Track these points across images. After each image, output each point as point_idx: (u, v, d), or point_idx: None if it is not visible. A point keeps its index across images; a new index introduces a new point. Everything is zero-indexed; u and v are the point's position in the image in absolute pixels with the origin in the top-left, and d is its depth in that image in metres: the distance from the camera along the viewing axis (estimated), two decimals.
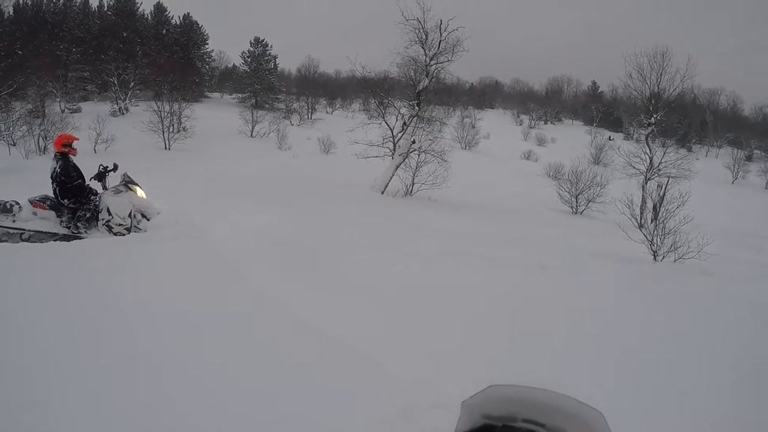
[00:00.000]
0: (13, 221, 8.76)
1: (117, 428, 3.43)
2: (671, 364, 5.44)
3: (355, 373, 4.52)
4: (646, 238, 11.95)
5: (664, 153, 23.97)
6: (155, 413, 3.61)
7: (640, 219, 17.12)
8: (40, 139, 25.93)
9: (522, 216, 19.50)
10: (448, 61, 21.90)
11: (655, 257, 11.63)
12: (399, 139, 22.26)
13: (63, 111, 36.44)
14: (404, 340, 5.36)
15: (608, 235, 15.71)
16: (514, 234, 14.52)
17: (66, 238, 8.96)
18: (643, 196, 21.97)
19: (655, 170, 23.46)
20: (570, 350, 5.51)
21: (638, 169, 24.04)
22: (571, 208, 23.45)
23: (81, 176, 9.38)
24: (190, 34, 63.18)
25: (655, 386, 4.83)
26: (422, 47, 21.63)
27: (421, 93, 21.96)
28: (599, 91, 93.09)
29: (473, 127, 53.00)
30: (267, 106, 57.89)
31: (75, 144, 9.51)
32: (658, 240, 11.69)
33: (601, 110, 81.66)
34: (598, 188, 23.56)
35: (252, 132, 38.98)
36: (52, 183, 9.15)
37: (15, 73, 27.35)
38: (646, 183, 23.21)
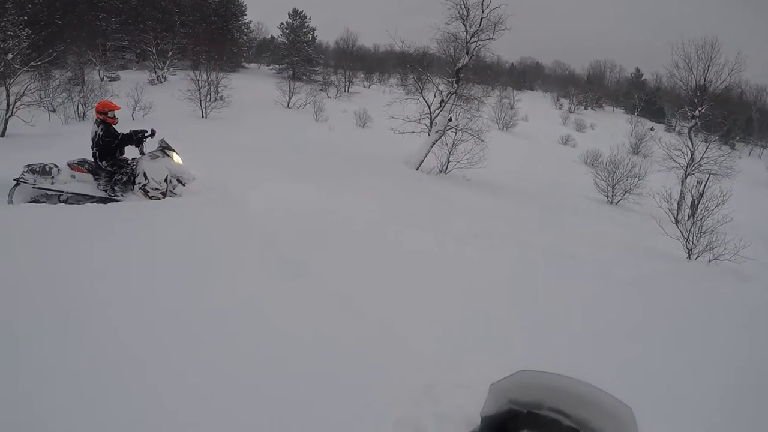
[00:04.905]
0: (52, 183, 8.95)
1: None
2: (698, 366, 5.34)
3: (381, 348, 4.55)
4: (682, 235, 11.71)
5: (707, 148, 23.24)
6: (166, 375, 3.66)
7: (677, 215, 16.77)
8: (80, 105, 26.40)
9: (556, 201, 19.25)
10: (489, 39, 21.40)
11: (689, 255, 11.40)
12: (436, 116, 22.11)
13: (102, 79, 37.00)
14: (431, 318, 5.38)
15: (643, 228, 15.50)
16: (547, 219, 14.38)
17: (103, 200, 9.15)
18: (681, 191, 21.31)
19: (695, 165, 22.78)
20: (597, 343, 5.45)
21: (678, 163, 23.37)
22: (607, 197, 22.93)
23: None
24: (228, 5, 63.03)
25: (683, 387, 4.76)
26: (463, 24, 21.22)
27: (461, 70, 21.62)
28: (643, 78, 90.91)
29: (511, 108, 52.36)
30: (304, 78, 57.61)
31: (116, 113, 9.60)
32: (694, 238, 11.45)
33: (644, 99, 79.94)
34: (636, 179, 22.83)
35: (288, 103, 38.92)
36: (93, 147, 9.29)
37: (55, 43, 27.63)
38: (686, 178, 22.53)
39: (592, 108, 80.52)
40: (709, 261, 11.05)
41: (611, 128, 57.63)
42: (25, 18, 25.83)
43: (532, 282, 7.28)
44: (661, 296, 7.85)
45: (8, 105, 19.90)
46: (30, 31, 23.82)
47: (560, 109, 73.56)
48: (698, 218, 12.37)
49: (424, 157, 20.81)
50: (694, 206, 17.80)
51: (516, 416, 2.79)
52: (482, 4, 20.67)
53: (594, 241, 11.79)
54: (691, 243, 11.47)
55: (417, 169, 20.41)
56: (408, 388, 3.94)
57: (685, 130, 26.11)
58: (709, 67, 24.45)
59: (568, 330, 5.63)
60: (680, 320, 6.78)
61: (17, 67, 21.75)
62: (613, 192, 22.86)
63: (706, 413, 4.41)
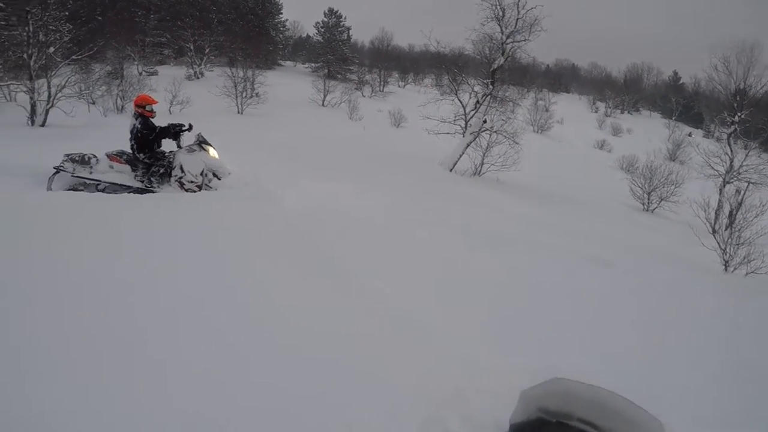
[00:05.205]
0: (90, 173, 9.35)
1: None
2: (727, 380, 5.19)
3: (411, 349, 4.57)
4: (719, 245, 11.43)
5: (746, 156, 22.49)
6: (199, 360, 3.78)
7: (714, 224, 16.41)
8: (118, 98, 26.87)
9: (590, 207, 19.07)
10: (525, 40, 21.15)
11: (726, 268, 11.15)
12: (471, 117, 21.97)
13: (140, 74, 37.67)
14: (463, 321, 5.39)
15: (679, 237, 15.26)
16: (581, 225, 14.28)
17: (139, 191, 9.54)
18: (719, 200, 20.54)
19: (734, 173, 22.07)
20: (627, 351, 5.35)
21: (717, 171, 22.69)
22: (643, 204, 22.46)
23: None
24: (264, 3, 63.74)
25: (712, 401, 4.58)
26: (498, 24, 21.01)
27: (496, 72, 21.46)
28: (681, 82, 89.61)
29: (547, 111, 51.98)
30: (339, 76, 58.07)
31: (154, 107, 9.83)
32: (731, 249, 11.17)
33: (682, 103, 78.60)
34: (673, 187, 22.27)
35: (323, 101, 39.17)
36: (131, 139, 9.57)
37: (95, 38, 28.22)
38: (724, 186, 21.87)
39: (628, 112, 79.37)
40: (746, 274, 10.76)
41: (648, 133, 56.88)
42: (66, 14, 26.39)
43: (565, 288, 7.26)
44: (695, 308, 7.67)
45: (49, 96, 20.36)
46: (71, 26, 24.33)
47: (596, 112, 72.67)
48: (736, 229, 12.05)
49: (458, 159, 20.73)
50: (731, 216, 17.39)
51: (545, 425, 2.81)
52: (518, 5, 20.49)
53: (628, 249, 11.64)
54: (727, 254, 11.18)
55: (451, 171, 20.36)
56: (436, 390, 3.94)
57: (724, 137, 25.51)
58: (749, 70, 23.85)
59: (600, 337, 5.59)
60: (714, 333, 6.65)
61: (58, 60, 22.25)
62: (648, 199, 22.41)
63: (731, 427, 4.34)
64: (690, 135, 54.41)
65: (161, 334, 4.10)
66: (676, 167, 25.31)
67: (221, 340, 4.15)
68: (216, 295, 4.91)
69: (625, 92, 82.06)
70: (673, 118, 71.83)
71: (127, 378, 3.48)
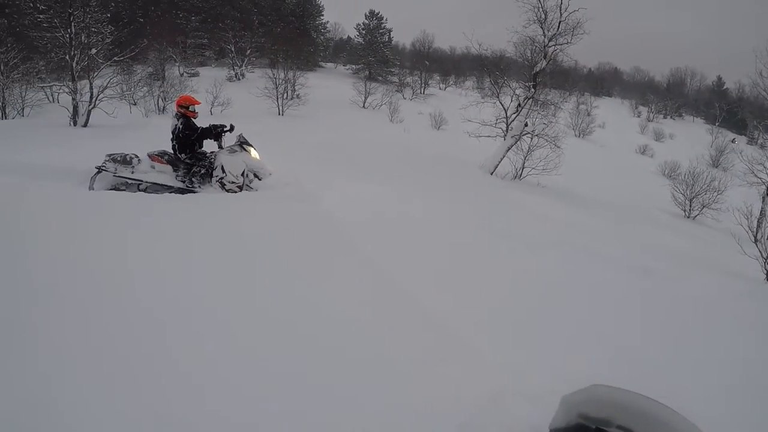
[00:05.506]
0: (132, 172, 9.65)
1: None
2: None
3: (447, 353, 4.60)
4: (761, 254, 11.36)
5: None
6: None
7: (756, 233, 16.16)
8: (160, 99, 27.71)
9: (631, 213, 18.83)
10: (567, 43, 20.81)
11: (767, 277, 11.10)
12: (512, 121, 21.91)
13: (182, 75, 38.75)
14: (502, 326, 5.40)
15: (720, 245, 15.11)
16: (621, 231, 14.20)
17: (180, 191, 9.80)
18: (762, 208, 19.98)
19: None
20: (676, 362, 5.32)
21: (760, 178, 21.94)
22: (684, 211, 22.08)
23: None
24: (305, 5, 64.38)
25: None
26: (541, 27, 20.77)
27: (538, 75, 21.27)
28: (724, 87, 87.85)
29: (588, 115, 51.36)
30: (380, 78, 58.53)
31: (196, 108, 10.14)
32: None
33: (725, 109, 77.06)
34: (715, 193, 21.90)
35: (364, 103, 39.55)
36: (172, 139, 9.87)
37: (137, 39, 28.89)
38: (767, 194, 21.27)
39: (671, 117, 78.08)
40: None
41: (691, 139, 55.79)
42: (108, 15, 27.15)
43: (605, 294, 7.24)
44: (736, 317, 7.63)
45: (91, 97, 21.05)
46: (113, 28, 24.90)
47: (638, 117, 71.60)
48: None
49: (499, 162, 20.72)
50: None
51: (584, 431, 2.92)
52: (560, 7, 20.25)
53: (669, 256, 11.58)
54: None
55: (492, 174, 20.38)
56: (473, 395, 3.97)
57: None
58: None
59: (640, 345, 5.59)
60: (754, 344, 6.67)
61: (100, 61, 22.81)
62: (690, 206, 22.04)
63: None
64: (733, 141, 53.36)
65: (196, 335, 4.21)
66: (718, 174, 24.89)
67: (257, 341, 4.25)
68: (254, 297, 5.04)
69: (668, 97, 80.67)
70: (717, 124, 70.38)
71: (157, 380, 3.58)
